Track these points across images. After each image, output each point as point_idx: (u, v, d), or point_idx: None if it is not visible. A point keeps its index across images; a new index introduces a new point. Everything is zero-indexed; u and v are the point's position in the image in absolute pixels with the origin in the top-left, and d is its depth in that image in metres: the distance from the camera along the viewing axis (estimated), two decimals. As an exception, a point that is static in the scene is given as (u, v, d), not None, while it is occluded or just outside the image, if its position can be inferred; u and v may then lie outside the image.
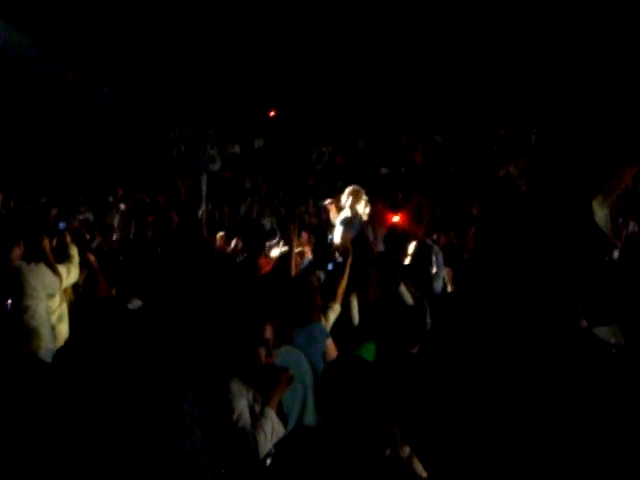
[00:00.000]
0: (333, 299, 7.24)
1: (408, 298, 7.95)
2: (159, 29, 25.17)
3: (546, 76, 23.02)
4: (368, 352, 6.36)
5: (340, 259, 9.87)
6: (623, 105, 1.68)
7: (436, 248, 10.58)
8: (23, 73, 24.85)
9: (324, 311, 6.90)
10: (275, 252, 10.68)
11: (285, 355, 5.18)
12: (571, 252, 1.70)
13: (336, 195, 12.09)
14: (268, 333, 4.69)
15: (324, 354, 6.27)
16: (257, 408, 4.55)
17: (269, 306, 5.30)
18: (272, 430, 4.45)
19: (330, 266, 8.51)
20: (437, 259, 10.28)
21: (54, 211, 16.80)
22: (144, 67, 26.20)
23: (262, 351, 4.65)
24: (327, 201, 12.04)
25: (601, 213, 1.68)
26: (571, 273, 1.71)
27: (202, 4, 24.83)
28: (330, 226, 11.82)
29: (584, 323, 7.70)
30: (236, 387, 4.54)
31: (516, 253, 1.73)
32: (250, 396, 4.58)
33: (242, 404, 4.51)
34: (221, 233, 11.58)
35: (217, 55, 25.89)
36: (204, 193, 17.23)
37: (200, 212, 17.24)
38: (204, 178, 17.63)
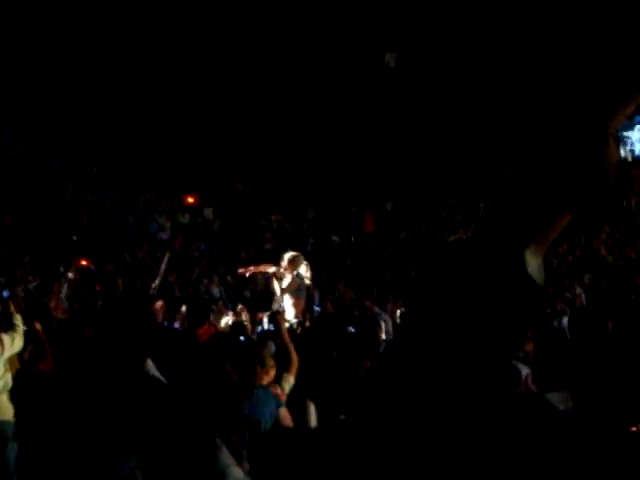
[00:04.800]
0: (287, 370, 7.07)
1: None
2: (108, 97, 25.20)
3: (493, 142, 23.36)
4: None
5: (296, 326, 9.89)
6: (558, 150, 1.64)
7: (384, 315, 10.63)
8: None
9: (278, 381, 6.77)
10: (224, 320, 10.61)
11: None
12: (503, 306, 1.64)
13: (278, 263, 12.11)
14: None
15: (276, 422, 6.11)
16: None
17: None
18: None
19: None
20: (386, 326, 10.30)
21: (1, 280, 16.61)
22: (94, 136, 26.17)
23: None
24: (270, 269, 12.06)
25: (534, 263, 1.62)
26: (503, 328, 1.66)
27: (151, 72, 24.94)
28: (273, 293, 11.84)
29: (533, 388, 7.71)
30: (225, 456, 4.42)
31: (444, 308, 1.67)
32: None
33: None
34: (160, 302, 11.38)
35: (167, 125, 25.94)
36: (163, 269, 17.13)
37: (154, 286, 17.11)
38: (167, 256, 17.54)
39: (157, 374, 5.71)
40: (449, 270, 1.67)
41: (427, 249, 19.20)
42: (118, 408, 4.44)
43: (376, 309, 11.38)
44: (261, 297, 15.14)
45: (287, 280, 11.60)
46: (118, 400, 4.52)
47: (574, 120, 1.62)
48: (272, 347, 8.20)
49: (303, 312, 11.79)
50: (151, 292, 16.60)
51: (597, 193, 1.64)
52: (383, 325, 10.30)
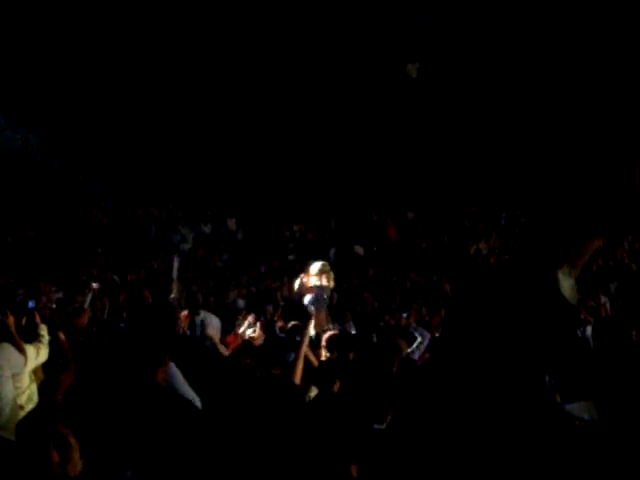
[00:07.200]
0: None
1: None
2: (129, 111, 25.34)
3: (516, 153, 23.36)
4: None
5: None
6: (589, 175, 1.67)
7: (421, 330, 10.54)
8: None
9: None
10: (244, 329, 10.62)
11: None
12: (537, 325, 1.67)
13: (305, 271, 12.16)
14: None
15: None
16: None
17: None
18: None
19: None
20: (423, 339, 10.17)
21: (23, 291, 16.67)
22: (117, 148, 26.31)
23: None
24: (297, 280, 12.11)
25: (567, 284, 1.66)
26: (537, 347, 1.68)
27: (167, 83, 25.05)
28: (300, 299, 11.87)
29: (557, 398, 7.67)
30: None
31: (481, 326, 1.70)
32: None
33: None
34: (185, 312, 11.40)
35: (190, 137, 26.05)
36: (175, 274, 17.13)
37: (172, 293, 17.10)
38: (176, 259, 17.52)
39: (179, 382, 5.71)
40: (487, 289, 1.70)
41: (463, 268, 19.14)
42: (126, 417, 4.48)
43: (413, 324, 11.36)
44: (288, 308, 15.17)
45: (310, 290, 11.64)
46: (126, 409, 4.56)
47: (605, 149, 1.65)
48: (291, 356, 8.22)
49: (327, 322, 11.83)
50: (171, 301, 16.60)
51: (628, 218, 1.67)
52: (419, 338, 10.16)
